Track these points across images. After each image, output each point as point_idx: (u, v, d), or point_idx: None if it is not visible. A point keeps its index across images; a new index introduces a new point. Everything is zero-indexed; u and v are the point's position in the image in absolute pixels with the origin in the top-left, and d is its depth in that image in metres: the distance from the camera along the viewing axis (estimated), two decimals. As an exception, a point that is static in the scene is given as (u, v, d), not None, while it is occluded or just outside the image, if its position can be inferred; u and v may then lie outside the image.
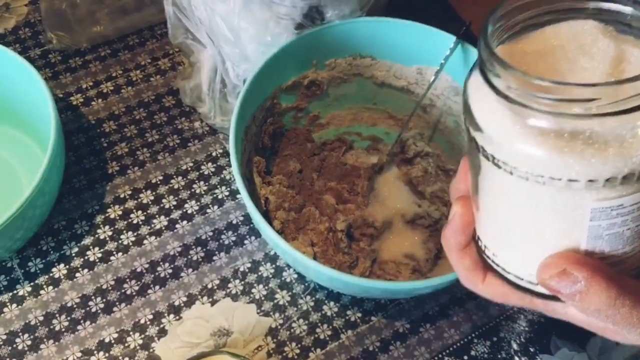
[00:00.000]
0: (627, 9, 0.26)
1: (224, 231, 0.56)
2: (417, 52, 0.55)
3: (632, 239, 0.26)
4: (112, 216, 0.57)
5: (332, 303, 0.53)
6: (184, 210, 0.57)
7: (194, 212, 0.57)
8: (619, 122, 0.23)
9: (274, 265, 0.55)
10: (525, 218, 0.27)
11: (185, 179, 0.59)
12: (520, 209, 0.27)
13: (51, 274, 0.54)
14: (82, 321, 0.51)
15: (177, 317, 0.52)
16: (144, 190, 0.58)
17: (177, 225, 0.56)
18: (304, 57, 0.54)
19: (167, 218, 0.56)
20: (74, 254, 0.55)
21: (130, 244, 0.55)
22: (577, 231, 0.26)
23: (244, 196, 0.45)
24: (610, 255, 0.27)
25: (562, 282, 0.27)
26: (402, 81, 0.58)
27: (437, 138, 0.59)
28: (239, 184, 0.46)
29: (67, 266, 0.54)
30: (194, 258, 0.55)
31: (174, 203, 0.57)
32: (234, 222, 0.57)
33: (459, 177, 0.32)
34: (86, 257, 0.54)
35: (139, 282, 0.53)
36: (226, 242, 0.56)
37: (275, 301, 0.53)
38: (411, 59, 0.56)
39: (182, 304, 0.53)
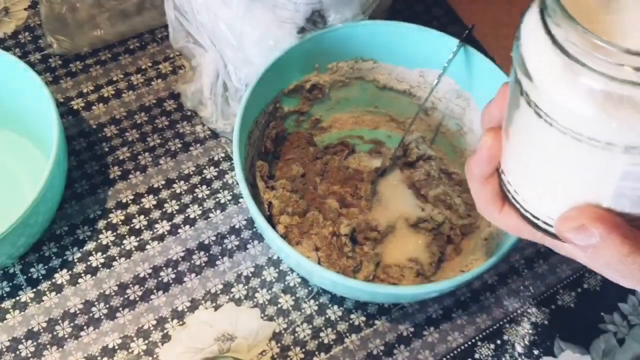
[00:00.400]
0: None
1: (227, 235, 0.56)
2: (419, 55, 0.55)
3: None
4: (114, 221, 0.56)
5: (335, 307, 0.53)
6: (187, 215, 0.57)
7: (197, 217, 0.57)
8: None
9: (277, 270, 0.55)
10: (555, 167, 0.27)
11: (187, 183, 0.59)
12: (551, 158, 0.27)
13: (54, 280, 0.53)
14: (85, 327, 0.51)
15: (181, 323, 0.52)
16: (146, 195, 0.58)
17: (180, 230, 0.56)
18: (307, 61, 0.54)
19: (170, 223, 0.56)
20: (76, 260, 0.54)
21: (133, 249, 0.55)
22: (603, 188, 0.26)
23: (247, 201, 0.45)
24: (631, 213, 0.27)
25: (579, 235, 0.27)
26: (404, 84, 0.58)
27: (439, 141, 0.59)
28: (242, 189, 0.46)
29: (70, 272, 0.54)
30: (197, 263, 0.55)
31: (177, 207, 0.57)
32: (237, 226, 0.57)
33: (494, 102, 0.31)
34: (89, 263, 0.54)
35: (142, 288, 0.53)
36: (229, 246, 0.56)
37: (279, 305, 0.53)
38: (413, 62, 0.56)
39: (186, 309, 0.52)
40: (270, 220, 0.52)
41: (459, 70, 0.54)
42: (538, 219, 0.30)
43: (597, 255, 0.28)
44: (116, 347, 0.51)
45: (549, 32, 0.24)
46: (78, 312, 0.52)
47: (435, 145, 0.59)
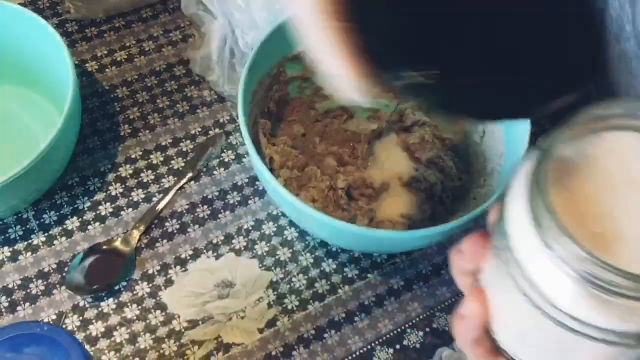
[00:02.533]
0: None
1: (229, 191, 0.59)
2: None
3: None
4: (123, 175, 0.59)
5: (330, 260, 0.56)
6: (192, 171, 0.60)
7: (201, 173, 0.60)
8: None
9: (276, 224, 0.57)
10: (552, 349, 0.27)
11: (193, 142, 0.62)
12: (546, 343, 0.27)
13: (64, 226, 0.56)
14: (93, 270, 0.54)
15: (184, 269, 0.55)
16: (153, 152, 0.61)
17: (185, 185, 0.59)
18: None
19: (175, 178, 0.59)
20: (86, 208, 0.57)
21: (140, 200, 0.58)
22: None
23: (249, 147, 0.48)
24: None
25: None
26: None
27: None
28: (245, 136, 0.48)
29: (80, 219, 0.57)
30: (200, 215, 0.58)
31: (182, 164, 0.60)
32: (239, 183, 0.60)
33: (467, 256, 0.30)
34: (98, 212, 0.57)
35: (147, 236, 0.56)
36: (231, 201, 0.58)
37: (277, 257, 0.56)
38: None
39: (189, 257, 0.55)
40: (271, 174, 0.55)
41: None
42: None
43: None
44: (122, 289, 0.54)
45: (545, 244, 0.24)
46: (86, 256, 0.55)
47: (431, 115, 0.62)
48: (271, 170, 0.55)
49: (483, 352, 0.31)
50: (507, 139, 0.54)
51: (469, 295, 0.30)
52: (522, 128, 0.50)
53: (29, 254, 0.55)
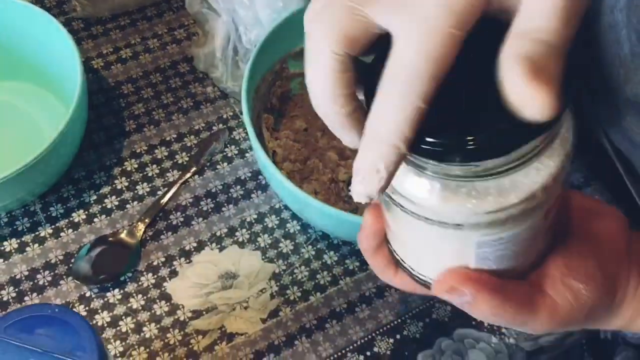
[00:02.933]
0: None
1: (233, 185, 0.60)
2: None
3: (516, 256, 0.30)
4: (128, 169, 0.61)
5: (332, 252, 0.57)
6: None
7: (205, 167, 0.61)
8: (496, 181, 0.26)
9: (278, 217, 0.58)
10: (423, 244, 0.31)
11: (197, 137, 0.63)
12: (417, 237, 0.30)
13: (71, 218, 0.57)
14: (99, 261, 0.55)
15: (188, 261, 0.56)
16: (158, 147, 0.62)
17: (189, 179, 0.60)
18: None
19: (180, 172, 0.60)
20: (92, 201, 0.59)
21: (145, 194, 0.59)
22: (466, 256, 0.29)
23: (252, 140, 0.49)
24: (498, 269, 0.30)
25: (452, 296, 0.31)
26: None
27: None
28: (249, 130, 0.50)
29: (86, 212, 0.58)
30: (204, 208, 0.59)
31: (187, 159, 0.61)
32: (242, 177, 0.61)
33: None
34: (104, 205, 0.58)
35: (152, 228, 0.57)
36: (234, 195, 0.60)
37: (279, 249, 0.57)
38: None
39: (193, 249, 0.56)
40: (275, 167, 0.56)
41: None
42: (426, 280, 0.33)
43: (474, 310, 0.31)
44: (127, 280, 0.55)
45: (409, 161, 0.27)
46: (93, 248, 0.56)
47: None
48: (274, 163, 0.56)
49: (382, 260, 0.34)
50: None
51: (365, 210, 0.34)
52: None
53: (36, 245, 0.56)
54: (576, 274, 0.31)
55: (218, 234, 0.57)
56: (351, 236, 0.54)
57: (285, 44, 0.58)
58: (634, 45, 0.45)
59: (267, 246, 0.57)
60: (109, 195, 0.59)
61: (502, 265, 0.30)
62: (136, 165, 0.61)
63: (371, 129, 0.26)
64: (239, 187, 0.60)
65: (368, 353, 0.52)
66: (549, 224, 0.30)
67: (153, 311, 0.53)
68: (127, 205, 0.58)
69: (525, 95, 0.23)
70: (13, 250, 0.56)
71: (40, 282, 0.54)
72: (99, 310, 0.53)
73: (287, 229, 0.58)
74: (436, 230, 0.28)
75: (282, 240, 0.57)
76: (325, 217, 0.49)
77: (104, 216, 0.58)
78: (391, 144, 0.25)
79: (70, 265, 0.55)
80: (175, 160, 0.61)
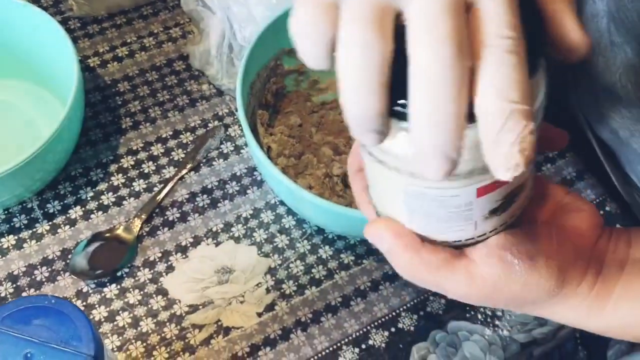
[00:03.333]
0: None
1: (228, 181, 0.61)
2: None
3: (446, 223, 0.30)
4: (125, 165, 0.61)
5: (327, 247, 0.57)
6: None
7: (201, 164, 0.61)
8: None
9: (274, 213, 0.59)
10: (375, 182, 0.32)
11: (193, 134, 0.63)
12: (372, 176, 0.32)
13: (68, 215, 0.58)
14: (96, 257, 0.56)
15: (184, 256, 0.56)
16: (154, 143, 0.63)
17: (185, 175, 0.61)
18: None
19: (176, 168, 0.61)
20: (89, 198, 0.59)
21: (142, 190, 0.60)
22: (398, 204, 0.31)
23: (247, 135, 0.50)
24: (429, 236, 0.31)
25: (374, 240, 0.32)
26: None
27: None
28: (244, 125, 0.50)
29: (83, 208, 0.58)
30: (200, 204, 0.59)
31: (183, 155, 0.62)
32: (238, 173, 0.61)
33: None
34: (101, 201, 0.59)
35: (149, 224, 0.58)
36: (230, 191, 0.60)
37: (275, 244, 0.57)
38: None
39: (189, 244, 0.57)
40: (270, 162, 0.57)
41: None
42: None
43: (393, 260, 0.32)
44: (124, 275, 0.55)
45: None
46: (89, 243, 0.56)
47: None
48: (269, 159, 0.57)
49: (360, 186, 0.35)
50: None
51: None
52: None
53: (33, 242, 0.56)
54: (515, 250, 0.32)
55: (214, 229, 0.58)
56: (346, 230, 0.55)
57: (279, 41, 0.58)
58: (613, 34, 0.46)
59: (263, 241, 0.57)
60: (105, 192, 0.59)
61: (432, 231, 0.31)
62: (132, 162, 0.61)
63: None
64: (234, 183, 0.61)
65: (363, 346, 0.53)
66: (490, 205, 0.30)
67: (150, 306, 0.54)
68: (124, 202, 0.59)
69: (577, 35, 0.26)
70: (10, 247, 0.56)
71: (38, 278, 0.55)
72: (96, 305, 0.54)
73: (282, 224, 0.58)
74: (381, 172, 0.29)
75: (278, 235, 0.58)
76: (319, 211, 0.50)
77: (100, 212, 0.58)
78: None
79: (68, 261, 0.55)
80: (171, 157, 0.62)
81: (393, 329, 0.54)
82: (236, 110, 0.65)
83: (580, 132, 0.64)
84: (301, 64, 0.62)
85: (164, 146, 0.62)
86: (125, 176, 0.60)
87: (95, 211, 0.58)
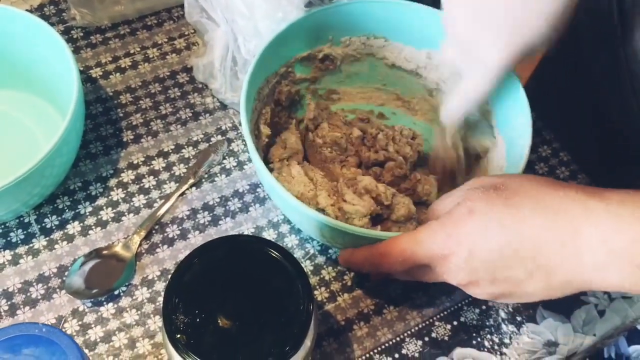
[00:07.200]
0: None
1: (230, 198, 0.59)
2: (427, 36, 0.58)
3: None
4: (125, 180, 0.60)
5: (330, 268, 0.56)
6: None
7: (203, 179, 0.60)
8: None
9: (276, 231, 0.58)
10: None
11: (195, 149, 0.62)
12: None
13: (66, 230, 0.57)
14: (93, 274, 0.54)
15: (183, 275, 0.55)
16: (156, 158, 0.61)
17: (187, 191, 0.59)
18: (321, 31, 0.58)
19: (177, 184, 0.60)
20: (88, 213, 0.58)
21: (142, 206, 0.58)
22: None
23: (250, 150, 0.48)
24: None
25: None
26: (412, 64, 0.61)
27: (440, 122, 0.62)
28: (247, 138, 0.49)
29: (81, 224, 0.57)
30: (201, 221, 0.58)
31: (184, 170, 0.61)
32: (240, 190, 0.60)
33: None
34: (99, 217, 0.58)
35: (148, 241, 0.56)
36: (232, 208, 0.59)
37: (277, 264, 0.56)
38: (422, 42, 0.59)
39: (188, 263, 0.55)
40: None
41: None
42: None
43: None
44: (121, 294, 0.54)
45: None
46: (87, 260, 0.55)
47: (437, 125, 0.63)
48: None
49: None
50: (508, 153, 0.54)
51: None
52: (522, 141, 0.51)
53: (29, 257, 0.55)
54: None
55: (215, 247, 0.56)
56: (350, 246, 0.53)
57: (292, 48, 0.57)
58: None
59: (265, 261, 0.56)
60: (104, 207, 0.58)
61: None
62: (133, 177, 0.60)
63: None
64: (236, 199, 0.59)
65: (365, 372, 0.51)
66: None
67: (147, 326, 0.52)
68: (123, 217, 0.58)
69: None
70: (6, 262, 0.55)
71: (33, 296, 0.53)
72: (92, 325, 0.52)
73: (285, 243, 0.57)
74: None
75: (280, 254, 0.56)
76: (324, 227, 0.48)
77: (99, 228, 0.57)
78: None
79: (64, 278, 0.54)
80: (172, 172, 0.61)
81: (397, 355, 0.52)
82: (240, 125, 0.64)
83: (576, 131, 0.64)
84: (313, 72, 0.61)
85: (166, 160, 0.61)
86: (125, 191, 0.59)
87: (93, 227, 0.57)
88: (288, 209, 0.51)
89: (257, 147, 0.51)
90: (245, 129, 0.49)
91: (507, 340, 0.53)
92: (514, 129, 0.54)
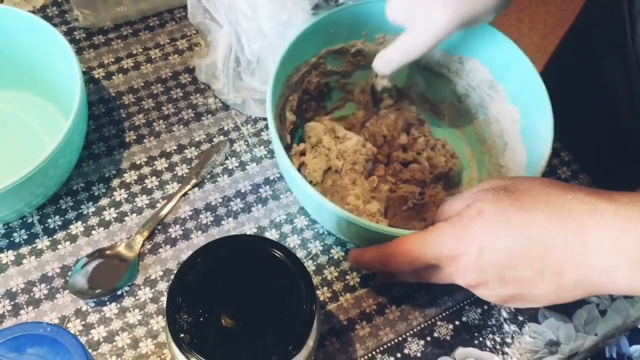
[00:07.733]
0: None
1: (233, 198, 0.59)
2: (461, 41, 0.58)
3: None
4: (127, 180, 0.60)
5: (332, 268, 0.56)
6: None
7: (205, 180, 0.60)
8: None
9: (278, 231, 0.58)
10: None
11: (198, 149, 0.62)
12: None
13: (69, 231, 0.57)
14: (96, 274, 0.55)
15: (186, 275, 0.55)
16: (158, 158, 0.61)
17: (189, 191, 0.59)
18: (356, 26, 0.58)
19: (179, 184, 0.60)
20: (90, 213, 0.58)
21: (144, 206, 0.59)
22: None
23: (274, 142, 0.49)
24: None
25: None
26: (444, 68, 0.61)
27: (467, 129, 0.63)
28: (271, 125, 0.49)
29: (84, 224, 0.57)
30: (204, 222, 0.58)
31: (187, 171, 0.61)
32: (242, 190, 0.60)
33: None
34: (102, 217, 0.58)
35: (151, 241, 0.57)
36: (234, 208, 0.59)
37: (279, 264, 0.56)
38: (456, 47, 0.59)
39: (191, 263, 0.56)
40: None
41: (494, 61, 0.57)
42: None
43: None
44: (124, 294, 0.54)
45: None
46: (90, 260, 0.55)
47: (461, 131, 0.63)
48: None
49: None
50: (529, 161, 0.54)
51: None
52: (543, 148, 0.51)
53: (33, 258, 0.55)
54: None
55: (217, 247, 0.57)
56: (367, 239, 0.53)
57: (326, 40, 0.58)
58: None
59: (267, 261, 0.56)
60: (107, 208, 0.58)
61: None
62: (135, 177, 0.60)
63: None
64: (239, 200, 0.59)
65: (368, 372, 0.52)
66: None
67: (150, 326, 0.52)
68: (126, 218, 0.58)
69: None
70: (10, 262, 0.55)
71: (37, 295, 0.53)
72: (95, 325, 0.52)
73: (287, 244, 0.57)
74: None
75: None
76: (342, 221, 0.48)
77: (102, 228, 0.57)
78: None
79: (67, 278, 0.54)
80: (175, 172, 0.61)
81: (399, 355, 0.52)
82: (242, 125, 0.64)
83: (578, 131, 0.64)
84: (345, 67, 0.61)
85: (168, 161, 0.61)
86: (127, 191, 0.59)
87: (96, 227, 0.57)
88: (302, 196, 0.52)
89: (281, 132, 0.51)
90: (269, 111, 0.50)
91: (509, 340, 0.53)
92: (515, 78, 0.55)
